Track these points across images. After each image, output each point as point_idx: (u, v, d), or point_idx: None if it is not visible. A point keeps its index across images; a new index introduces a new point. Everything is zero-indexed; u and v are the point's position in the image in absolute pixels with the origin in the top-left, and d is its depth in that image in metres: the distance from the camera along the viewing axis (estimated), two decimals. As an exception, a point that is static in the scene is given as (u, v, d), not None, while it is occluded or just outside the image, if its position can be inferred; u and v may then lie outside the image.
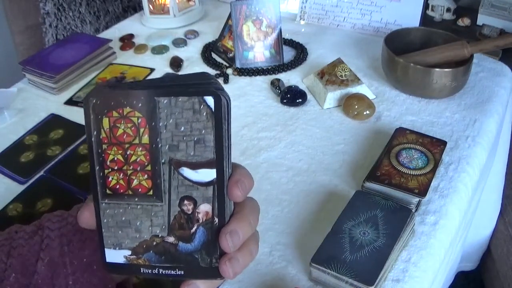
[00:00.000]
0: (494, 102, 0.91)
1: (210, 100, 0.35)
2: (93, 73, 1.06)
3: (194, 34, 1.19)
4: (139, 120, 0.36)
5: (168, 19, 1.22)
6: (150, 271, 0.37)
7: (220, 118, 0.35)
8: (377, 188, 0.69)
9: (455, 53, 0.90)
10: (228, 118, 0.36)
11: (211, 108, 0.35)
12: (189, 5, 1.25)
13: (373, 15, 1.13)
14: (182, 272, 0.37)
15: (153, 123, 0.36)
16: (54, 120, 0.93)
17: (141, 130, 0.36)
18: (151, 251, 0.37)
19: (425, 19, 1.16)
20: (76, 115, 0.93)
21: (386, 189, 0.69)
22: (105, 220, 0.37)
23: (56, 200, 0.76)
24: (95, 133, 0.36)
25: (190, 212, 0.36)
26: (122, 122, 0.36)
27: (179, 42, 1.15)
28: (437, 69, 0.87)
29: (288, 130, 0.87)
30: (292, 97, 0.93)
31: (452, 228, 0.70)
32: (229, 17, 1.06)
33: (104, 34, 1.21)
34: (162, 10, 1.23)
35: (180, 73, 1.05)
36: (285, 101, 0.93)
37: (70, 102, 0.98)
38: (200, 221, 0.36)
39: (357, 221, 0.63)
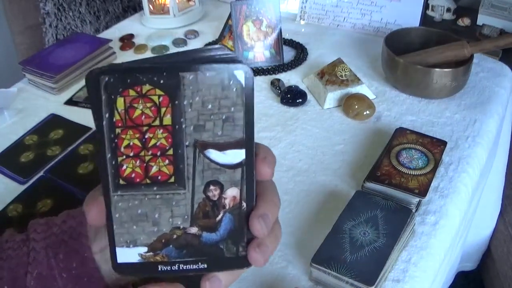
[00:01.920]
0: (494, 102, 0.91)
1: (240, 74, 0.32)
2: (93, 73, 1.06)
3: (194, 34, 1.19)
4: (161, 99, 0.32)
5: (168, 19, 1.22)
6: (169, 268, 0.34)
7: (251, 93, 0.32)
8: (377, 188, 0.69)
9: (455, 53, 0.91)
10: (254, 94, 0.33)
11: (241, 83, 0.32)
12: (189, 5, 1.25)
13: (373, 15, 1.13)
14: (205, 266, 0.34)
15: (177, 102, 0.32)
16: (54, 120, 0.93)
17: (163, 110, 0.32)
18: (171, 246, 0.34)
19: (425, 19, 1.16)
20: (76, 115, 0.93)
21: (386, 189, 0.69)
22: (117, 215, 0.33)
23: (56, 200, 0.76)
24: (107, 115, 0.32)
25: (216, 198, 0.34)
26: (140, 102, 0.32)
27: (179, 42, 1.15)
28: (437, 69, 0.87)
29: (288, 130, 0.87)
30: (292, 97, 0.93)
31: (452, 228, 0.70)
32: (229, 17, 1.06)
33: (104, 34, 1.21)
34: (162, 10, 1.23)
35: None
36: (285, 101, 0.93)
37: (70, 102, 0.98)
38: (227, 207, 0.34)
39: (357, 221, 0.63)
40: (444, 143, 0.76)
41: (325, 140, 0.84)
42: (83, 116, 0.92)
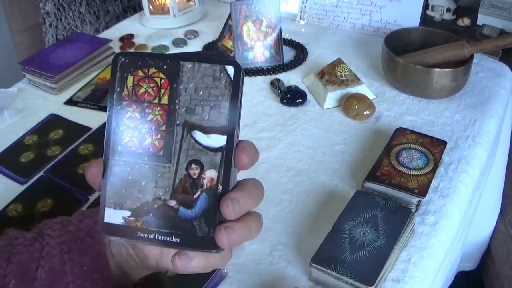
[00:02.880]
0: (494, 102, 0.91)
1: (230, 69, 0.37)
2: (93, 73, 1.06)
3: (194, 34, 1.19)
4: (162, 81, 0.38)
5: (168, 19, 1.22)
6: (146, 235, 0.37)
7: (238, 87, 0.37)
8: (377, 188, 0.69)
9: (455, 53, 0.91)
10: (242, 90, 0.38)
11: (230, 77, 0.37)
12: (189, 5, 1.25)
13: (373, 15, 1.13)
14: (178, 240, 0.37)
15: (175, 85, 0.37)
16: (54, 120, 0.93)
17: (162, 91, 0.38)
18: (151, 214, 0.37)
19: (425, 19, 1.16)
20: (76, 115, 0.93)
21: (386, 189, 0.69)
22: (111, 178, 0.38)
23: (56, 200, 0.76)
24: (118, 90, 0.38)
25: (195, 177, 0.37)
26: (145, 82, 0.38)
27: (179, 42, 1.15)
28: (437, 69, 0.87)
29: (288, 130, 0.87)
30: (292, 97, 0.93)
31: (452, 228, 0.70)
32: (229, 17, 1.06)
33: (104, 34, 1.21)
34: (162, 10, 1.23)
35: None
36: (285, 101, 0.93)
37: (70, 102, 0.98)
38: (204, 186, 0.37)
39: (357, 221, 0.63)
40: (444, 143, 0.76)
41: (325, 140, 0.84)
42: (83, 116, 0.92)
